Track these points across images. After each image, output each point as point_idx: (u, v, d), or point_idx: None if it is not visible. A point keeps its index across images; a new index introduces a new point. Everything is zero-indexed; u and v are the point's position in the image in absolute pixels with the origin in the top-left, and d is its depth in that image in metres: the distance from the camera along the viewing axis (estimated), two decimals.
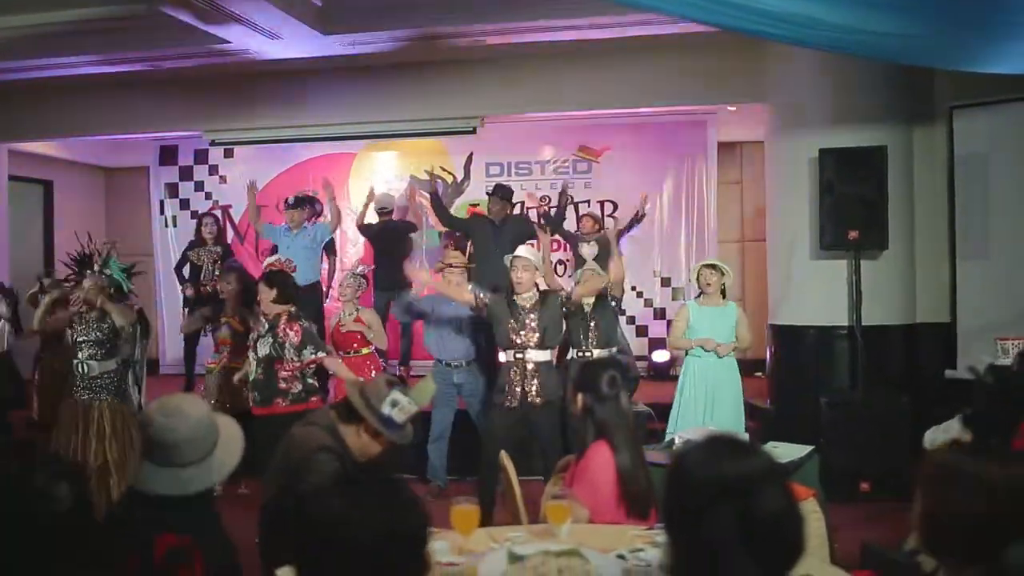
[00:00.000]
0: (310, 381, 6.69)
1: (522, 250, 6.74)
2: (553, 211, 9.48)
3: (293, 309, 6.64)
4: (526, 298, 6.60)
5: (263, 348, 6.53)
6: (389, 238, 9.98)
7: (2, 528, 2.51)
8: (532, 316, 6.56)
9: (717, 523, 1.76)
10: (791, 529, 1.82)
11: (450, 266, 7.40)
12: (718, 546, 1.76)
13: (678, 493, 1.88)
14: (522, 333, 6.54)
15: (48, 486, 2.46)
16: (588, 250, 8.60)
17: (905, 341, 8.11)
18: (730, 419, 6.69)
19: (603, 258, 8.07)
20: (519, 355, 6.55)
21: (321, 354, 6.62)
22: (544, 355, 6.60)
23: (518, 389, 6.53)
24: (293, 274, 7.06)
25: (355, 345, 7.81)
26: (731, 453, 1.87)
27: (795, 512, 1.83)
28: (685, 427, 6.52)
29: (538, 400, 6.51)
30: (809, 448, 5.32)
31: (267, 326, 6.58)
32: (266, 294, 6.57)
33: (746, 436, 6.14)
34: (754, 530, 1.76)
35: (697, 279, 7.10)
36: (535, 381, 6.51)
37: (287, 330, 6.49)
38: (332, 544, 1.85)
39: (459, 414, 7.67)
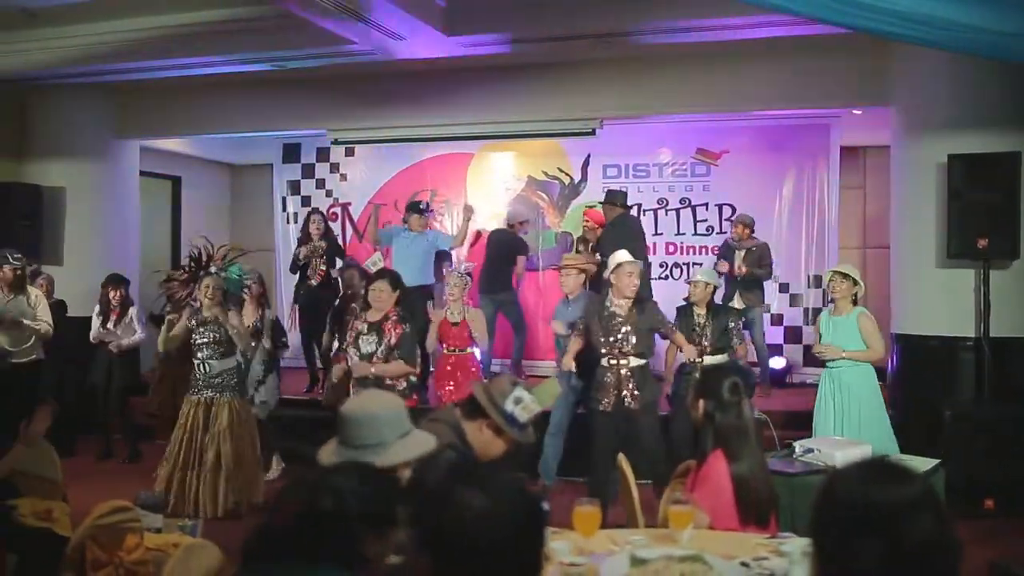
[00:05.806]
0: (413, 379, 6.78)
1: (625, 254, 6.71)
2: None
3: (400, 311, 6.69)
4: (621, 304, 6.57)
5: (367, 346, 6.60)
6: (501, 246, 10.07)
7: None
8: (623, 324, 6.53)
9: (864, 552, 1.70)
10: (942, 560, 1.74)
11: (568, 266, 7.54)
12: (864, 574, 1.71)
13: (826, 517, 1.80)
14: (612, 340, 6.53)
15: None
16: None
17: None
18: (874, 433, 6.28)
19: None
20: (612, 361, 6.55)
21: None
22: (637, 361, 6.56)
23: (613, 394, 6.53)
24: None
25: (460, 343, 7.94)
26: (882, 479, 1.79)
27: (948, 542, 1.75)
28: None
29: (635, 405, 6.50)
30: (934, 462, 5.18)
31: (368, 325, 6.65)
32: (388, 294, 6.61)
33: (895, 451, 5.99)
34: (902, 561, 1.69)
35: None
36: (630, 385, 6.49)
37: (392, 330, 6.55)
38: (461, 539, 1.84)
39: (576, 416, 7.60)
